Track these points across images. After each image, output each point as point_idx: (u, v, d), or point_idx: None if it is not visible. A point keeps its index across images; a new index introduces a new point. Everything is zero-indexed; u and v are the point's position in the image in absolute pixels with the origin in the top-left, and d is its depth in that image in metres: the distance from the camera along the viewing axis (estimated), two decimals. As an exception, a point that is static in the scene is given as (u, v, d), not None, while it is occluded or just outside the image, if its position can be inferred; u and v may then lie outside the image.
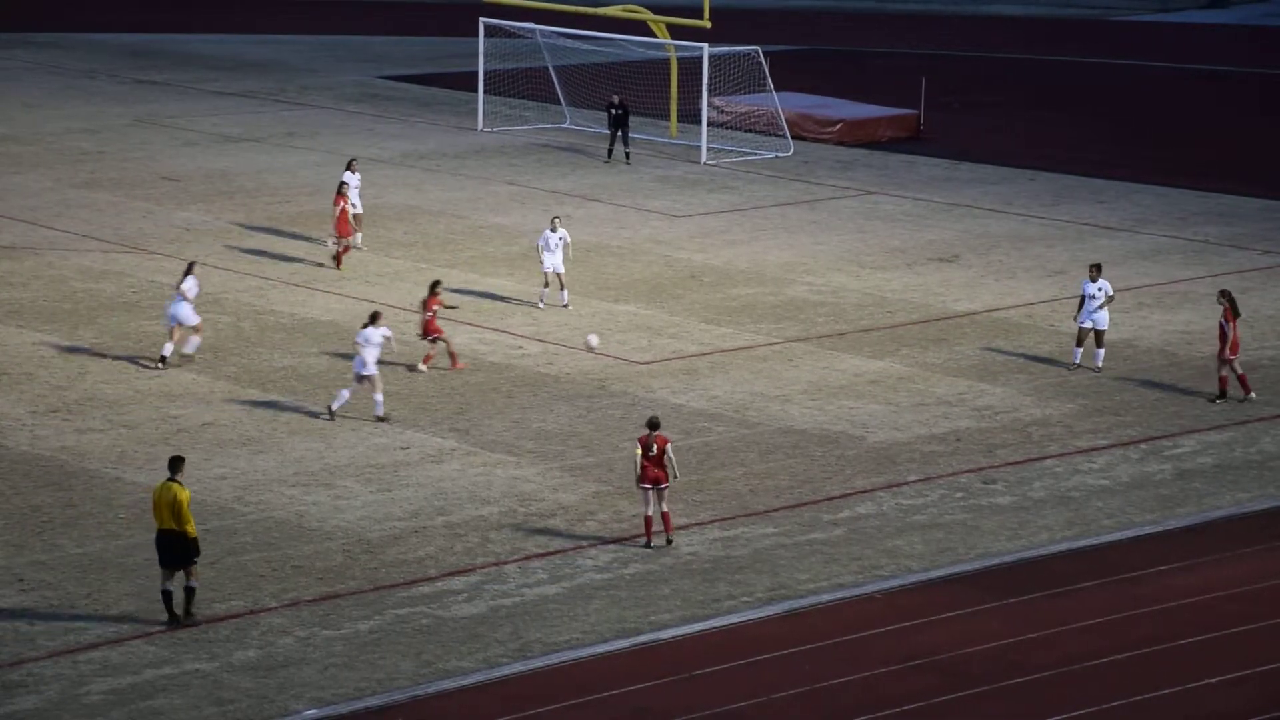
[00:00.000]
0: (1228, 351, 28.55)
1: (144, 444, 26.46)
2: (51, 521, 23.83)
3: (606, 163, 44.85)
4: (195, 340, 29.49)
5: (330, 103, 52.48)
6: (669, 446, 23.40)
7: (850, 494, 25.35)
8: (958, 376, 30.03)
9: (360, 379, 27.48)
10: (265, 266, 35.52)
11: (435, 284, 30.28)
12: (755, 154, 46.28)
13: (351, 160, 36.72)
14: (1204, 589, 22.64)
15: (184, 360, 29.27)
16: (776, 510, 24.77)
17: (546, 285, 33.01)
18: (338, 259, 35.14)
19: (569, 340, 31.36)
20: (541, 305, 32.85)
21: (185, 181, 42.52)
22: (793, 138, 47.08)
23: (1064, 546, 23.90)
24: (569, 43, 49.23)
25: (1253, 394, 28.79)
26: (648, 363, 30.51)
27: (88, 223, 38.45)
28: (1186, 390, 29.52)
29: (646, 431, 23.48)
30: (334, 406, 27.51)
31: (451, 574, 22.69)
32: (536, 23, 49.62)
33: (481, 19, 49.53)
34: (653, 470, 23.25)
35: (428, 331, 29.76)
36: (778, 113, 47.14)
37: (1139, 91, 57.90)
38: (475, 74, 49.60)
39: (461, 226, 39.01)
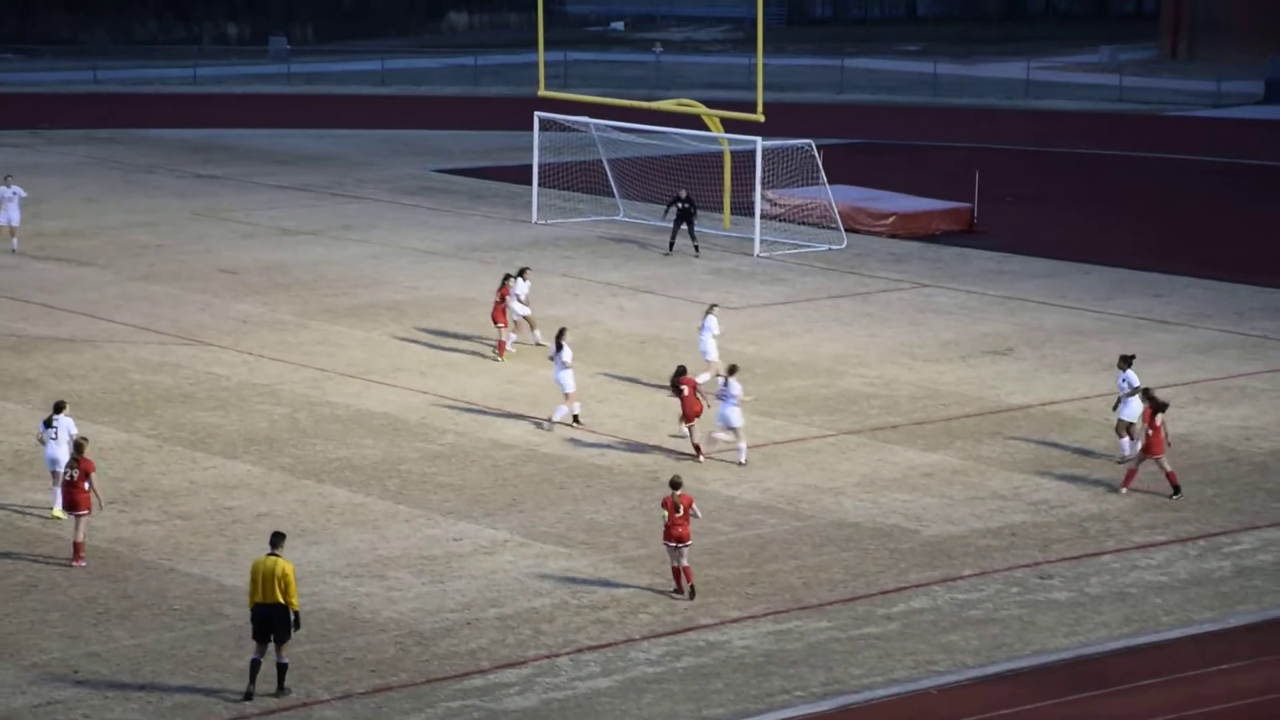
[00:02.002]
0: (1153, 450, 28.25)
1: (199, 535, 26.54)
2: (107, 613, 23.89)
3: (668, 255, 45.05)
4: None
5: (386, 195, 52.95)
6: (695, 504, 24.49)
7: (904, 588, 25.16)
8: (1012, 470, 29.86)
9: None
10: (321, 358, 35.74)
11: (507, 276, 34.59)
12: (808, 246, 46.37)
13: (524, 269, 36.33)
14: (1266, 689, 22.31)
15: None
16: (830, 604, 24.60)
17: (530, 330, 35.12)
18: (499, 347, 35.25)
19: (620, 431, 31.37)
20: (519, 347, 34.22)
21: (243, 274, 42.90)
22: (846, 230, 47.17)
23: (1122, 644, 23.62)
24: (623, 136, 49.59)
25: (1179, 491, 28.35)
26: (700, 455, 30.43)
27: (146, 315, 38.81)
28: (1245, 486, 29.25)
29: (671, 492, 24.36)
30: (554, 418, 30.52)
31: (504, 666, 22.62)
32: (591, 117, 50.04)
33: (536, 113, 49.98)
34: (676, 529, 24.21)
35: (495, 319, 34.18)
36: (831, 205, 47.27)
37: (1194, 186, 57.81)
38: (530, 167, 50.00)
39: (518, 319, 39.12)
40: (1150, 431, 28.27)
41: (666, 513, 24.29)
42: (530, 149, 50.08)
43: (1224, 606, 24.73)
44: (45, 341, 36.55)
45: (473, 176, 56.20)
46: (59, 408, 27.16)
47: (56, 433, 26.78)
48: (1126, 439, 29.92)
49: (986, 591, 25.07)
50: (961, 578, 25.52)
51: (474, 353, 36.24)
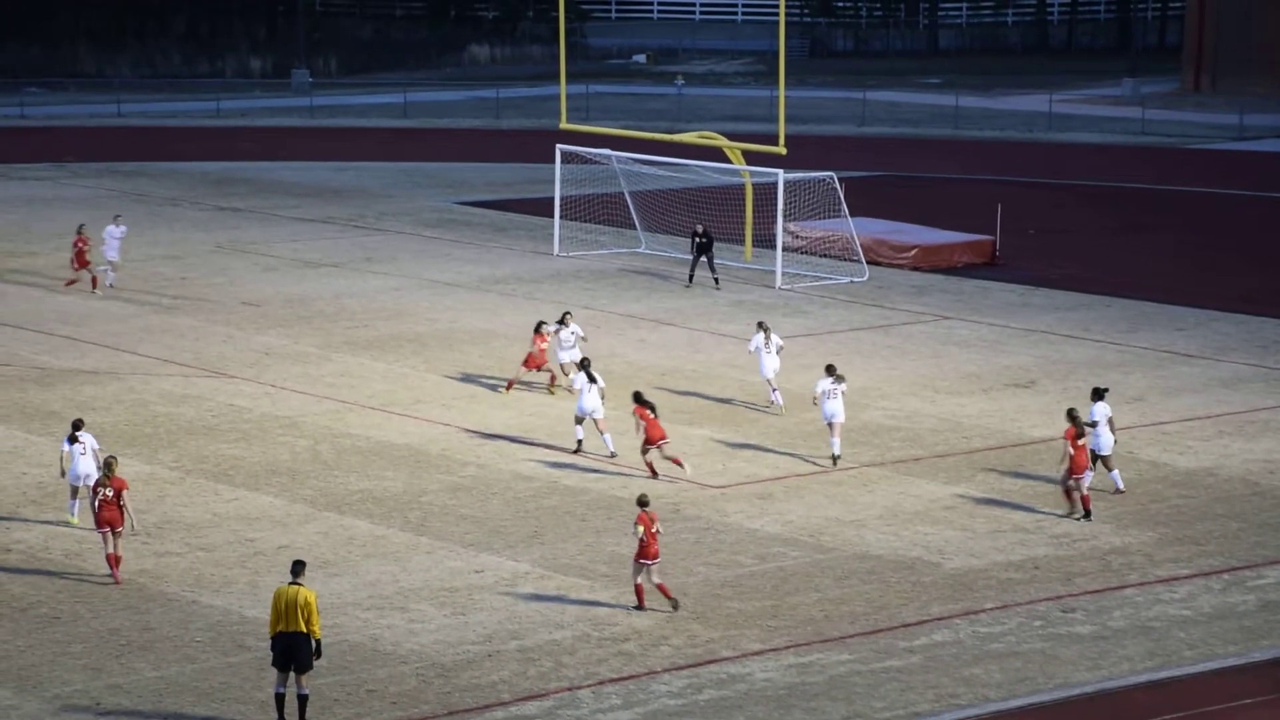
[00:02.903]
0: (1071, 471, 28.51)
1: (221, 567, 26.57)
2: (129, 645, 23.91)
3: (688, 287, 45.10)
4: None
5: (408, 228, 53.08)
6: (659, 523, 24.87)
7: (926, 621, 25.08)
8: (1035, 503, 29.75)
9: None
10: (343, 390, 35.79)
11: (540, 324, 34.87)
12: (830, 279, 46.37)
13: (566, 314, 36.05)
14: (1290, 721, 22.19)
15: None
16: (852, 636, 24.53)
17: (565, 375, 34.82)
18: (509, 385, 35.32)
19: (642, 464, 31.33)
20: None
21: (265, 306, 43.01)
22: (867, 263, 47.16)
23: (1145, 678, 23.51)
24: (645, 169, 49.68)
25: (1090, 515, 28.68)
26: (722, 487, 30.43)
27: (169, 347, 38.91)
28: (1269, 520, 29.12)
29: (642, 510, 24.70)
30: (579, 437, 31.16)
31: (525, 699, 22.57)
32: (613, 149, 50.14)
33: (558, 146, 50.10)
34: (653, 547, 24.58)
35: (531, 364, 34.67)
36: (853, 238, 47.27)
37: (1217, 218, 57.70)
38: (551, 199, 50.09)
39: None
40: (1073, 452, 28.45)
41: (643, 529, 24.57)
42: (552, 181, 50.18)
43: (1248, 641, 24.59)
44: (69, 374, 36.66)
45: (494, 209, 56.31)
46: (79, 425, 27.84)
47: (85, 447, 27.45)
48: (1107, 471, 29.84)
49: (1009, 625, 24.98)
50: (984, 611, 25.42)
51: (494, 386, 36.27)
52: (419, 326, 41.31)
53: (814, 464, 31.50)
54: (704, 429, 33.61)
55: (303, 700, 21.57)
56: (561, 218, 49.60)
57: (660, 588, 24.90)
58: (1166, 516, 29.18)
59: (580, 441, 31.66)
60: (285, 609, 21.48)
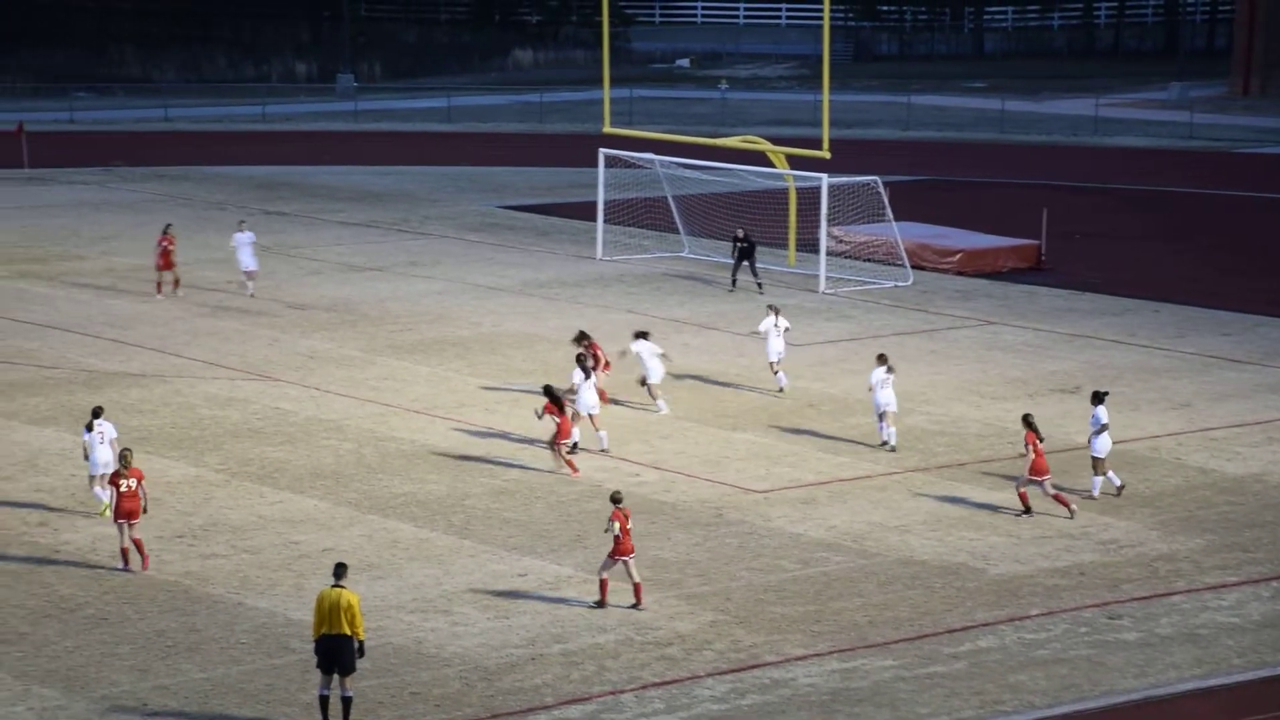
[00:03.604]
0: (1029, 473, 28.69)
1: (266, 569, 26.66)
2: (176, 646, 24.02)
3: (731, 291, 45.06)
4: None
5: (452, 232, 53.20)
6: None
7: (971, 627, 24.97)
8: (1081, 509, 29.60)
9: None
10: (386, 394, 35.87)
11: (582, 346, 33.32)
12: (874, 283, 46.25)
13: (643, 333, 35.85)
14: (1339, 730, 22.01)
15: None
16: (896, 642, 24.45)
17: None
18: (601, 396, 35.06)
19: (685, 468, 31.33)
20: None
21: (310, 310, 43.17)
22: (912, 267, 47.02)
23: (1193, 685, 23.35)
24: (688, 173, 49.65)
25: (1074, 508, 28.90)
26: (765, 491, 30.38)
27: (215, 350, 39.09)
28: (1317, 525, 28.91)
29: (617, 508, 24.91)
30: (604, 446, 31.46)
31: (568, 702, 22.57)
32: (656, 154, 50.13)
33: (602, 150, 50.13)
34: (628, 542, 24.73)
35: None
36: (897, 242, 47.14)
37: (1265, 223, 57.31)
38: (594, 203, 50.12)
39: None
40: (1034, 454, 28.65)
41: (618, 526, 24.75)
42: (595, 185, 50.21)
43: (1297, 648, 24.42)
44: (116, 377, 36.87)
45: (538, 213, 56.39)
46: (98, 412, 28.37)
47: (103, 436, 28.05)
48: (1100, 478, 29.85)
49: (1054, 631, 24.85)
50: (1029, 617, 25.31)
51: (538, 390, 36.28)
52: (462, 330, 41.39)
53: (866, 446, 31.40)
54: (747, 433, 33.56)
55: (347, 702, 21.64)
56: (605, 222, 49.61)
57: (636, 587, 25.03)
58: (1214, 523, 28.99)
59: (576, 443, 31.69)
60: (328, 612, 21.56)
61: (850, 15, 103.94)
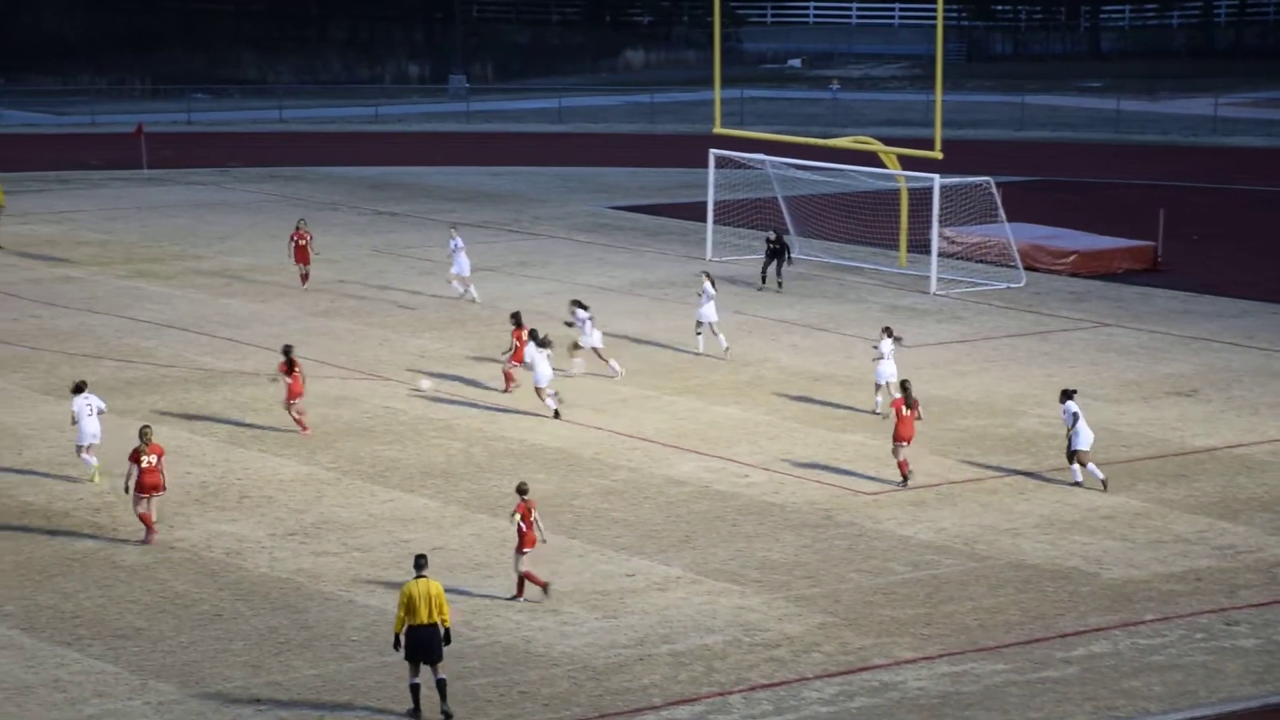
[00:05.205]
0: (896, 438, 29.92)
1: (376, 567, 26.86)
2: (288, 643, 24.25)
3: (760, 290, 44.95)
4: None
5: (562, 232, 53.36)
6: (537, 511, 25.38)
7: (1084, 631, 24.68)
8: (1197, 514, 29.18)
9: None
10: (495, 394, 36.03)
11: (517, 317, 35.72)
12: (986, 285, 45.86)
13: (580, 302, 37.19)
14: None
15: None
16: (1007, 646, 24.21)
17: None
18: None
19: (793, 470, 31.22)
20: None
21: (420, 310, 43.46)
22: (1025, 269, 46.57)
23: (1311, 693, 22.96)
24: (799, 174, 49.48)
25: (906, 482, 29.95)
26: (874, 493, 30.21)
27: (327, 350, 39.45)
28: None
29: (522, 499, 25.17)
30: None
31: (676, 703, 22.55)
32: (767, 154, 49.99)
33: (712, 151, 50.07)
34: (530, 535, 25.16)
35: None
36: (1010, 243, 46.71)
37: (1387, 223, 56.22)
38: (704, 204, 50.07)
39: (688, 355, 39.20)
40: (898, 420, 29.81)
41: (520, 517, 25.10)
42: (705, 186, 50.16)
43: None
44: (230, 375, 37.31)
45: (647, 213, 56.42)
46: (81, 387, 30.01)
47: (91, 408, 29.68)
48: (1077, 466, 30.06)
49: (1169, 637, 24.51)
50: (1143, 622, 24.97)
51: (647, 389, 36.29)
52: (572, 330, 41.48)
53: (977, 449, 31.16)
54: (856, 435, 33.38)
55: (443, 685, 21.99)
56: (715, 222, 49.54)
57: (527, 574, 25.32)
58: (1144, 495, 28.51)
59: (557, 412, 33.59)
60: (424, 603, 21.86)
61: (964, 15, 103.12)
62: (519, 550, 25.40)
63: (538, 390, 34.04)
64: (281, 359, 32.96)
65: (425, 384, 35.27)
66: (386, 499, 29.82)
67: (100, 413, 29.96)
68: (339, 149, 69.96)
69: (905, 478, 30.16)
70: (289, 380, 32.55)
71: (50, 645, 23.94)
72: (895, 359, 34.42)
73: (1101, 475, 30.20)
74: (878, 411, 33.77)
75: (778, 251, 45.33)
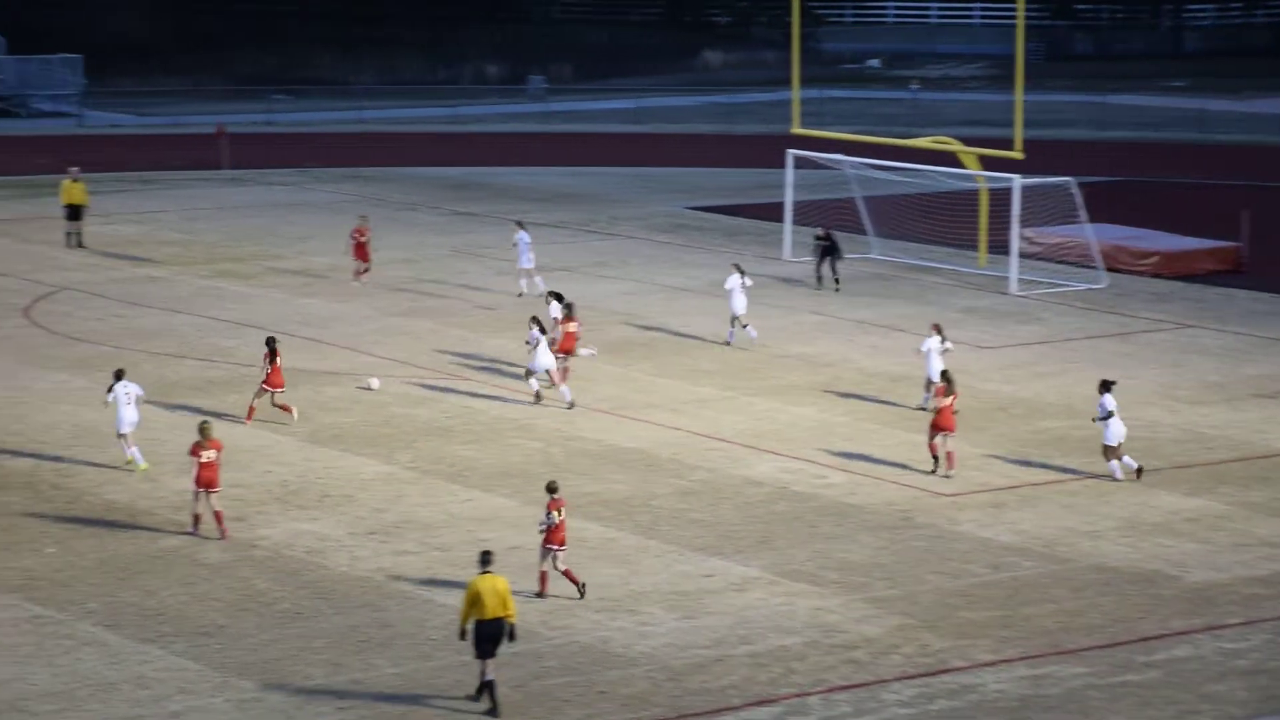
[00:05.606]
0: (936, 427, 30.32)
1: (455, 566, 26.98)
2: (368, 641, 24.40)
3: (817, 290, 44.75)
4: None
5: (640, 232, 53.39)
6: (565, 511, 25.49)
7: (1166, 635, 24.46)
8: (1263, 516, 28.85)
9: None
10: (573, 393, 36.08)
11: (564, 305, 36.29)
12: (1066, 285, 45.53)
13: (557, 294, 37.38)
14: None
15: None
16: (1088, 649, 24.04)
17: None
18: None
19: (872, 471, 31.12)
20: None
21: (499, 310, 43.62)
22: (1106, 270, 46.21)
23: (1398, 699, 22.65)
24: (877, 174, 49.30)
25: (937, 468, 30.25)
26: (953, 495, 30.05)
27: (407, 349, 39.66)
28: None
29: (553, 497, 25.18)
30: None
31: (754, 704, 22.53)
32: (845, 154, 49.84)
33: (790, 151, 49.97)
34: (561, 533, 25.11)
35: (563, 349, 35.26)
36: (1091, 244, 46.36)
37: None
38: (782, 204, 49.97)
39: (765, 355, 39.16)
40: (940, 409, 30.26)
41: (557, 516, 25.05)
42: (782, 186, 50.07)
43: None
44: (310, 375, 37.57)
45: (725, 214, 56.37)
46: (120, 375, 30.62)
47: (129, 396, 30.40)
48: (1115, 462, 29.91)
49: (1254, 641, 24.25)
50: (1228, 626, 24.72)
51: (724, 389, 36.25)
52: (650, 331, 41.51)
53: (1057, 450, 30.95)
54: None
55: (493, 686, 22.07)
56: (793, 223, 49.43)
57: (567, 573, 25.28)
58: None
59: (539, 394, 34.24)
60: (492, 598, 22.05)
61: (1045, 14, 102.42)
62: (546, 545, 25.44)
63: (528, 372, 34.81)
64: (265, 350, 33.51)
65: (374, 382, 35.75)
66: (466, 498, 29.95)
67: (139, 398, 30.63)
68: (418, 149, 70.31)
69: (936, 460, 30.41)
70: (269, 369, 33.16)
71: (134, 642, 24.19)
72: (943, 357, 34.20)
73: (1135, 465, 30.30)
74: (924, 408, 33.74)
75: (829, 249, 45.09)
